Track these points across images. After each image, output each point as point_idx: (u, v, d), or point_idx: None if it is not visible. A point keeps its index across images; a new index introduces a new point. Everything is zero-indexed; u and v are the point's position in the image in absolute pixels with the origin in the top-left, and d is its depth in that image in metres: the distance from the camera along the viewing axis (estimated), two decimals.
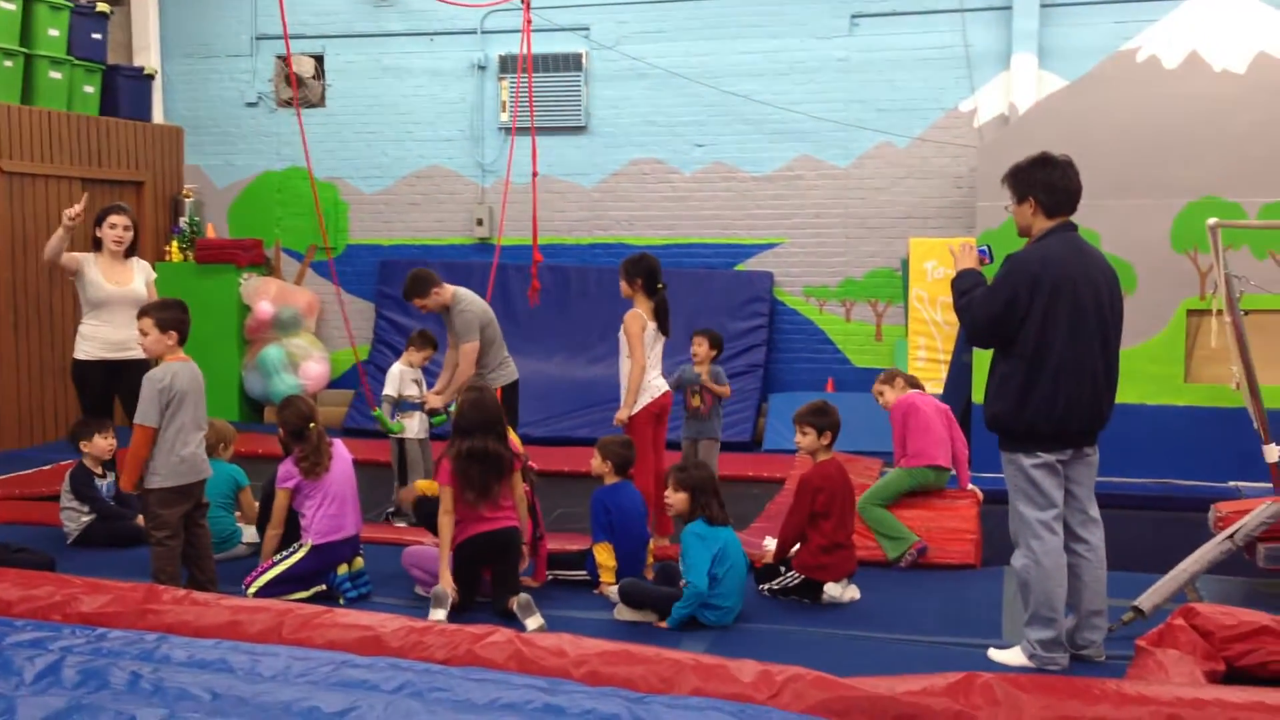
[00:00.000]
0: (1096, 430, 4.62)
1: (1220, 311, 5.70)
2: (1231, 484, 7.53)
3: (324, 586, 5.55)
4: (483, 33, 11.02)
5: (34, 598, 4.42)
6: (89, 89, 10.21)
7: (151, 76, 11.00)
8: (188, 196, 11.16)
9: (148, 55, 11.33)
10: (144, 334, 5.30)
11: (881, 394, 6.78)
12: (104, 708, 3.35)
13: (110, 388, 6.92)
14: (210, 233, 11.20)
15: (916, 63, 10.16)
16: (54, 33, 9.76)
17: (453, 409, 5.98)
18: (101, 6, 10.32)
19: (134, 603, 4.36)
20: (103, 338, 6.85)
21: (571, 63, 10.79)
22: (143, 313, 5.40)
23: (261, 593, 5.39)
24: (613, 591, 5.42)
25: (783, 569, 5.66)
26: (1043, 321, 4.44)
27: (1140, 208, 8.10)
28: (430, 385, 7.29)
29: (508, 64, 10.86)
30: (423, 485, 5.94)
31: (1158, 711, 3.32)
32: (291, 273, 11.37)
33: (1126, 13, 9.54)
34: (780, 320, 10.59)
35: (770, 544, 5.97)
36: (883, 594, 5.70)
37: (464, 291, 7.06)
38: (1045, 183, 4.56)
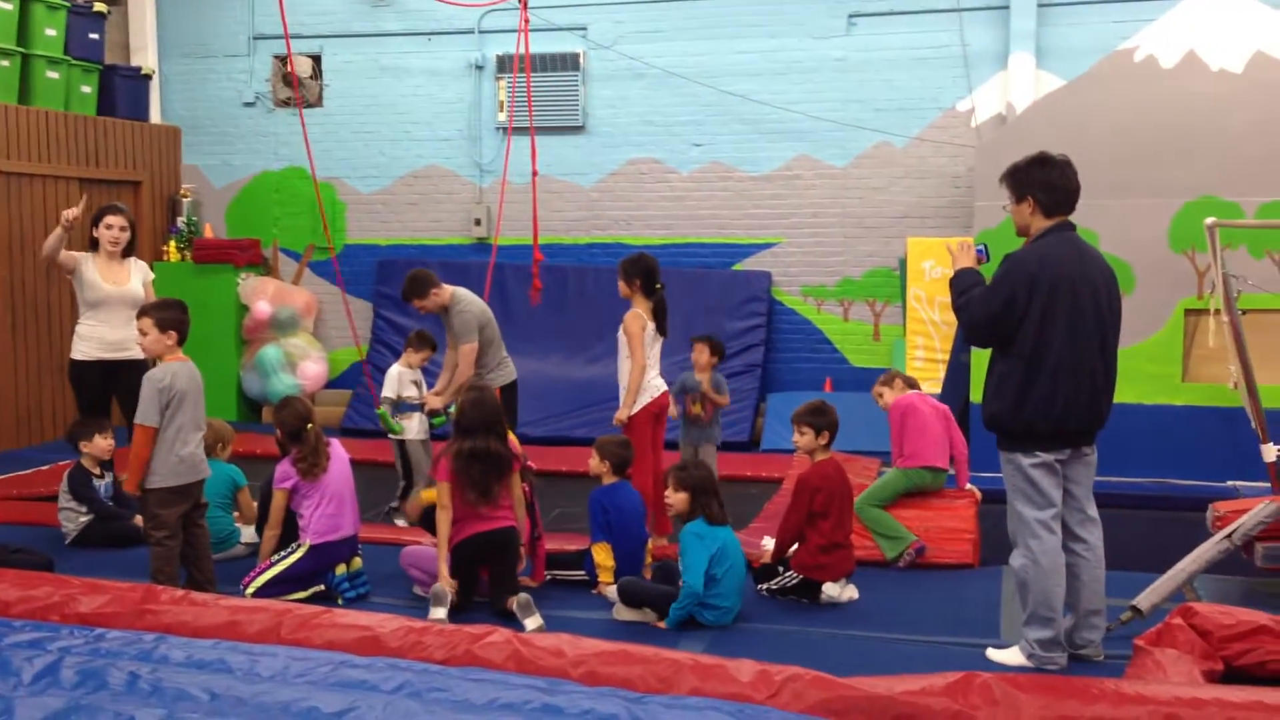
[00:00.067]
0: (1095, 430, 4.62)
1: (1218, 311, 5.71)
2: (1229, 483, 7.54)
3: (322, 586, 5.55)
4: (480, 32, 11.02)
5: (32, 598, 4.41)
6: (86, 89, 10.21)
7: (149, 76, 10.99)
8: (185, 196, 11.16)
9: (145, 55, 11.32)
10: (143, 334, 5.30)
11: (881, 395, 6.79)
12: (102, 708, 3.35)
13: (107, 388, 6.91)
14: (208, 233, 11.19)
15: (914, 62, 10.17)
16: (51, 32, 9.75)
17: (452, 410, 5.98)
18: (99, 6, 10.30)
19: (132, 603, 4.36)
20: (100, 338, 6.84)
21: (569, 62, 10.79)
22: (142, 312, 5.40)
23: (260, 593, 5.39)
24: (611, 591, 5.42)
25: (781, 569, 5.66)
26: (1041, 321, 4.44)
27: (1138, 207, 8.10)
28: (430, 386, 7.29)
29: (505, 64, 10.86)
30: (428, 496, 5.94)
31: (1156, 711, 3.33)
32: (289, 273, 11.37)
33: (1124, 12, 9.54)
34: (778, 320, 10.59)
35: (768, 544, 5.97)
36: (881, 594, 5.71)
37: (462, 292, 7.06)
38: (1044, 182, 4.56)
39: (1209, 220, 5.81)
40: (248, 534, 6.36)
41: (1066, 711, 3.36)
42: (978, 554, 6.33)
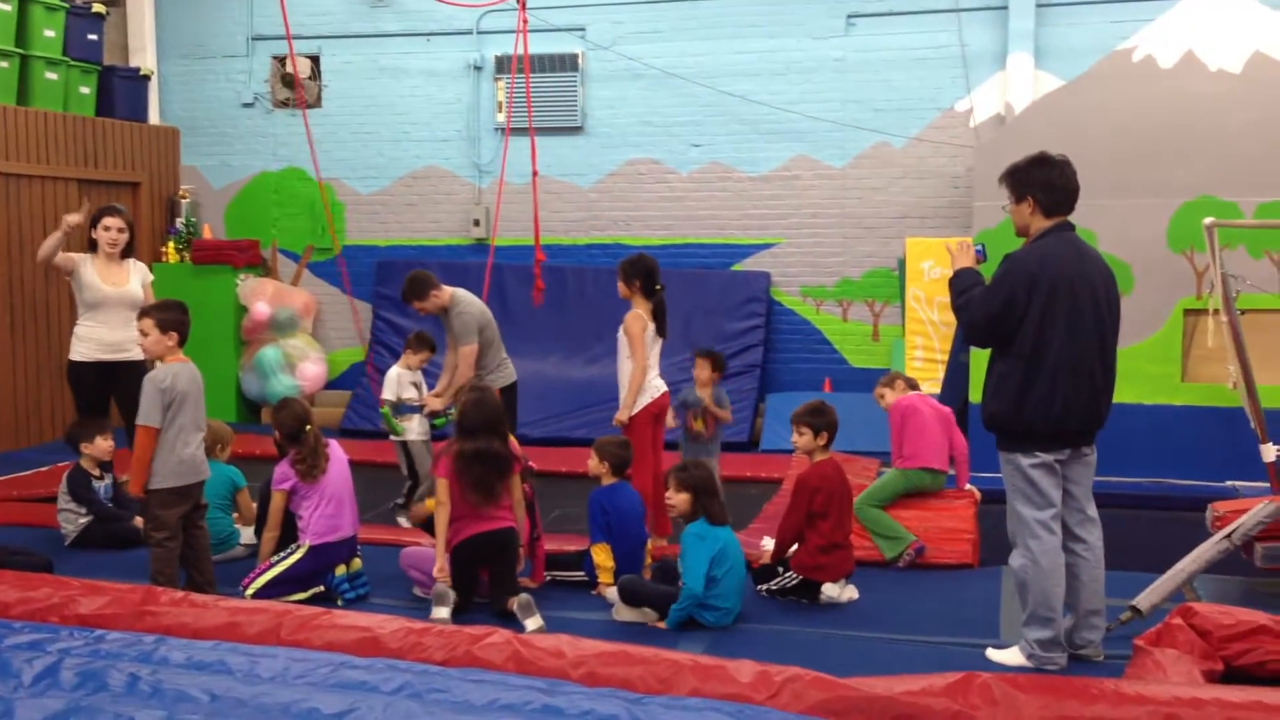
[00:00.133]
0: (1094, 430, 4.62)
1: (1217, 311, 5.71)
2: (1229, 483, 7.55)
3: (322, 588, 5.55)
4: (479, 33, 11.02)
5: (32, 599, 4.41)
6: (85, 90, 10.20)
7: (147, 77, 10.98)
8: (184, 197, 11.16)
9: (144, 56, 11.32)
10: (144, 335, 5.30)
11: (883, 396, 6.80)
12: (102, 710, 3.35)
13: (106, 389, 6.91)
14: (207, 233, 11.19)
15: (913, 63, 10.17)
16: (50, 33, 9.74)
17: (452, 412, 5.98)
18: (97, 7, 10.30)
19: (132, 604, 4.36)
20: (98, 339, 6.84)
21: (567, 63, 10.79)
22: (144, 313, 5.40)
23: (260, 594, 5.39)
24: (611, 592, 5.42)
25: (781, 569, 5.66)
26: (1040, 321, 4.45)
27: (1137, 207, 8.11)
28: (430, 387, 7.29)
29: (504, 64, 10.86)
30: (432, 505, 5.93)
31: (1156, 711, 3.33)
32: (288, 273, 11.37)
33: (1122, 12, 9.55)
34: (777, 320, 10.59)
35: (768, 544, 5.97)
36: (881, 594, 5.71)
37: (462, 293, 7.05)
38: (1044, 182, 4.57)
39: (1208, 220, 5.81)
40: (247, 535, 6.36)
41: (1066, 711, 3.36)
42: (977, 554, 6.33)
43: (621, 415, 6.29)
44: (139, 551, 5.88)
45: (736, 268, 10.67)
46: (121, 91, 10.57)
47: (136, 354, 6.55)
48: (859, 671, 3.82)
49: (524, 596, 5.19)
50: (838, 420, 5.76)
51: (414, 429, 7.10)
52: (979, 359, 8.07)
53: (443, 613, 5.12)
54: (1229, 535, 5.22)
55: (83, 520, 6.52)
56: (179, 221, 10.99)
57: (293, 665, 3.71)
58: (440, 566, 5.31)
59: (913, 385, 6.85)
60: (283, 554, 5.60)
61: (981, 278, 4.73)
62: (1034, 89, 9.64)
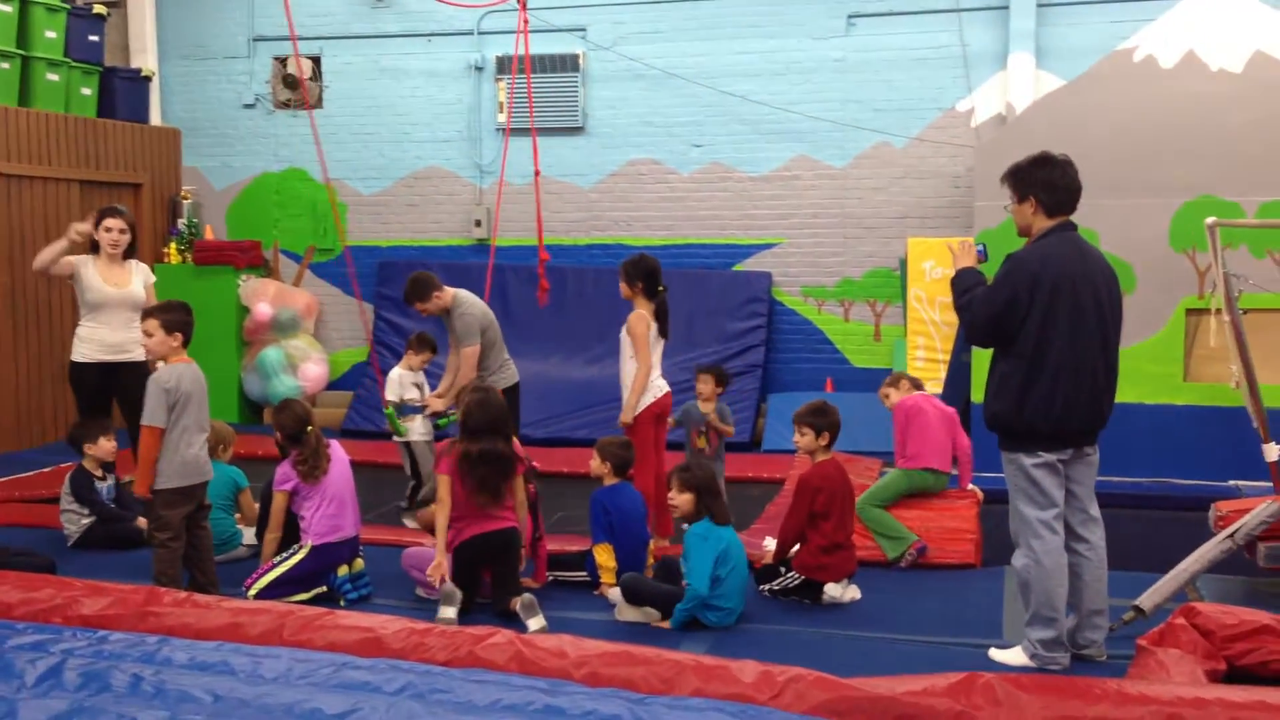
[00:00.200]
0: (1096, 429, 4.62)
1: (1219, 310, 5.70)
2: (1231, 483, 7.54)
3: (324, 588, 5.56)
4: (480, 34, 11.02)
5: (35, 600, 4.42)
6: (86, 91, 10.21)
7: (149, 78, 10.99)
8: (186, 198, 11.16)
9: (145, 57, 11.33)
10: (149, 335, 5.30)
11: (887, 396, 6.80)
12: (105, 710, 3.35)
13: (107, 389, 6.91)
14: (208, 234, 11.20)
15: (913, 63, 10.17)
16: (51, 35, 9.75)
17: (454, 413, 5.97)
18: (98, 8, 10.31)
19: (135, 605, 4.36)
20: (100, 340, 6.84)
21: (568, 64, 10.79)
22: (149, 314, 5.40)
23: (262, 594, 5.39)
24: (613, 593, 5.42)
25: (783, 569, 5.66)
26: (1043, 321, 4.45)
27: (1138, 207, 8.10)
28: (433, 388, 7.29)
29: (505, 65, 10.86)
30: None
31: (1159, 711, 3.33)
32: (290, 274, 11.37)
33: (1123, 12, 9.55)
34: (779, 320, 10.59)
35: (770, 544, 5.97)
36: (883, 594, 5.70)
37: (464, 294, 7.05)
38: (1046, 182, 4.57)
39: (1209, 220, 5.80)
40: (249, 536, 6.36)
41: (1069, 711, 3.36)
42: (980, 554, 6.33)
43: (625, 416, 6.29)
44: (142, 552, 5.88)
45: (738, 268, 10.67)
46: (123, 93, 10.58)
47: (138, 355, 6.55)
48: (861, 672, 3.82)
49: (526, 597, 5.19)
50: (840, 420, 5.76)
51: (417, 430, 7.10)
52: (981, 359, 8.06)
53: (449, 613, 5.12)
54: (1232, 535, 5.21)
55: (85, 521, 6.53)
56: (180, 222, 11.00)
57: (295, 666, 3.72)
58: (438, 564, 5.30)
59: (918, 385, 6.85)
60: (285, 554, 5.60)
61: (983, 277, 4.73)
62: (1035, 89, 9.64)
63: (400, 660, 3.83)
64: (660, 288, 6.38)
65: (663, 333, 6.43)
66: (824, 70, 10.35)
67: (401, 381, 7.17)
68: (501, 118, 10.94)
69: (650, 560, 5.84)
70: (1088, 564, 4.64)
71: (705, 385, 6.96)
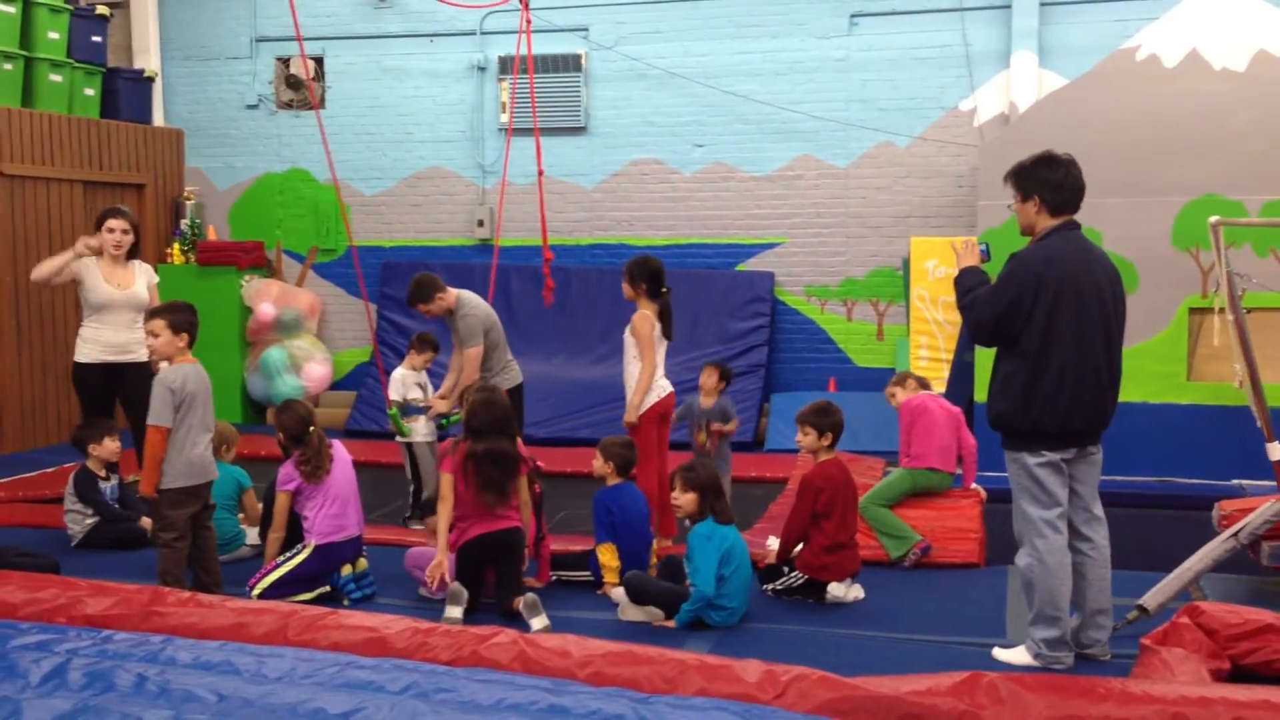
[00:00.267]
0: (1100, 429, 4.62)
1: (1222, 309, 5.71)
2: (1235, 482, 7.54)
3: (328, 588, 5.56)
4: (482, 34, 11.02)
5: (39, 600, 4.42)
6: (89, 91, 10.22)
7: (151, 79, 11.01)
8: (189, 199, 11.18)
9: (148, 58, 11.34)
10: (155, 335, 5.31)
11: (894, 395, 6.80)
12: (110, 710, 3.36)
13: (110, 390, 6.92)
14: (211, 235, 11.21)
15: (916, 62, 10.17)
16: (54, 35, 9.76)
17: (456, 414, 5.97)
18: (101, 9, 10.33)
19: (139, 605, 4.37)
20: (103, 340, 6.84)
21: (571, 64, 10.79)
22: (154, 314, 5.41)
23: (266, 594, 5.40)
24: (617, 592, 5.42)
25: (786, 569, 5.66)
26: (1046, 320, 4.44)
27: (1141, 206, 8.10)
28: (436, 388, 7.29)
29: (507, 65, 10.86)
30: None
31: (1163, 710, 3.32)
32: (293, 274, 11.38)
33: (1126, 11, 9.54)
34: (781, 320, 10.59)
35: (773, 544, 5.97)
36: (887, 593, 5.70)
37: (467, 295, 7.05)
38: (1049, 181, 4.56)
39: (1213, 219, 5.81)
40: (252, 535, 6.37)
41: (1073, 711, 3.36)
42: (983, 553, 6.32)
43: (630, 416, 6.29)
44: (145, 552, 5.89)
45: (740, 268, 10.66)
46: (126, 93, 10.60)
47: (141, 355, 6.56)
48: (865, 671, 3.82)
49: (530, 596, 5.19)
50: (843, 420, 5.76)
51: (419, 430, 7.10)
52: (984, 358, 8.04)
53: (455, 612, 5.12)
54: (1236, 534, 5.21)
55: (89, 521, 6.53)
56: (184, 223, 11.01)
57: (299, 665, 3.72)
58: (438, 563, 5.30)
59: (925, 385, 6.86)
60: (288, 554, 5.61)
61: (987, 277, 4.73)
62: (1038, 88, 9.63)
63: (404, 660, 3.84)
64: (664, 289, 6.38)
65: (666, 334, 6.43)
66: (827, 70, 10.34)
67: (404, 382, 7.17)
68: (504, 118, 10.94)
69: (653, 560, 5.84)
70: (1091, 563, 4.64)
71: (709, 377, 6.97)
